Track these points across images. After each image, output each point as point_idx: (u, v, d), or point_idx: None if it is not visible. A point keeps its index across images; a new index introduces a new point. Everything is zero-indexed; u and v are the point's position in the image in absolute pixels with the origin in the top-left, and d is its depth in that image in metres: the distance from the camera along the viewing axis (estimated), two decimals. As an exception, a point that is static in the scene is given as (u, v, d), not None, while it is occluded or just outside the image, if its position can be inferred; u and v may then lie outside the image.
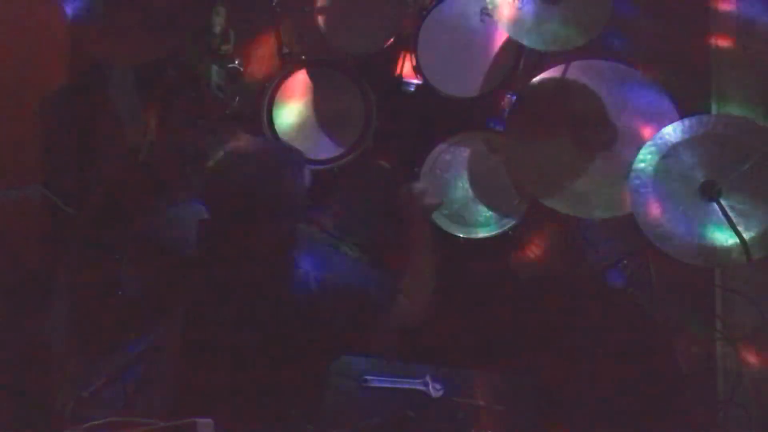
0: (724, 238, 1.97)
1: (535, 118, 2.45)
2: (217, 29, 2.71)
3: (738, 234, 1.95)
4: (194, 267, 1.74)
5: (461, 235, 2.46)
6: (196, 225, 1.73)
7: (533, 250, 2.88)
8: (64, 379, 2.45)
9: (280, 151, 1.75)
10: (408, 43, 2.59)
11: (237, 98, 2.89)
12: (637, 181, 2.07)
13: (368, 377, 2.20)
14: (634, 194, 2.06)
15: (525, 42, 2.20)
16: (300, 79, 2.61)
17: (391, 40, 2.58)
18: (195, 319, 1.80)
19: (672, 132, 2.08)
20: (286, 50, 2.86)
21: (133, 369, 2.33)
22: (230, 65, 2.83)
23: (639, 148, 2.12)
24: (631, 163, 2.11)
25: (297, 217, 1.73)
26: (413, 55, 2.57)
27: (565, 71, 2.44)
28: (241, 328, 1.74)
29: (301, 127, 2.57)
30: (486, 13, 2.54)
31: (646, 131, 2.31)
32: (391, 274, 1.93)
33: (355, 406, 2.14)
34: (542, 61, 2.52)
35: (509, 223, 2.46)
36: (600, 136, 2.36)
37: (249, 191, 1.60)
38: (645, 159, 2.08)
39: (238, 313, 1.73)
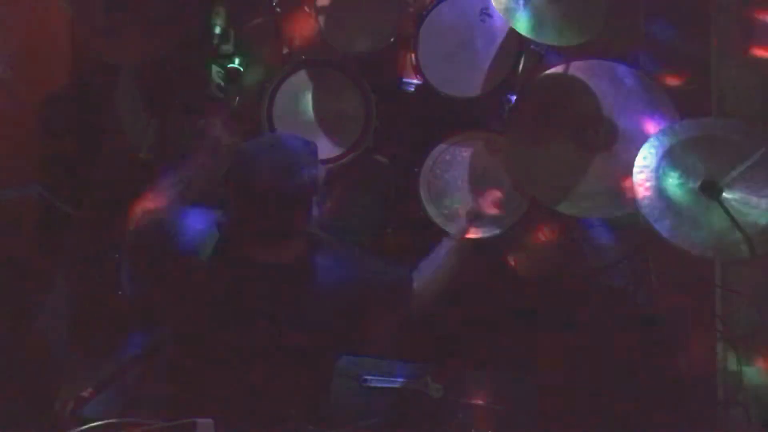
0: (725, 235, 1.97)
1: (535, 118, 2.45)
2: (217, 29, 2.71)
3: (740, 228, 1.95)
4: (201, 269, 1.74)
5: (461, 235, 2.46)
6: (202, 227, 1.75)
7: (533, 250, 2.88)
8: (64, 379, 2.45)
9: (301, 143, 1.80)
10: (408, 43, 2.59)
11: (237, 98, 2.89)
12: (638, 182, 2.07)
13: (368, 377, 2.20)
14: (635, 195, 2.06)
15: (531, 36, 2.19)
16: (300, 79, 2.61)
17: (391, 40, 2.58)
18: (195, 320, 1.80)
19: (672, 132, 2.09)
20: (286, 50, 2.86)
21: (133, 369, 2.33)
22: (230, 65, 2.83)
23: (639, 148, 2.12)
24: (631, 164, 2.11)
25: (313, 208, 1.76)
26: (413, 55, 2.57)
27: (565, 71, 2.44)
28: (243, 328, 1.74)
29: (301, 127, 2.57)
30: (486, 13, 2.54)
31: (646, 131, 2.31)
32: (404, 269, 1.97)
33: (355, 406, 2.14)
34: (542, 61, 2.52)
35: (509, 223, 2.46)
36: (600, 136, 2.36)
37: (277, 176, 1.65)
38: (645, 159, 2.08)
39: (242, 313, 1.73)
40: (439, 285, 2.02)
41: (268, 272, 1.71)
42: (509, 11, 2.21)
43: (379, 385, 2.16)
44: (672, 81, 2.93)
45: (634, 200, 2.06)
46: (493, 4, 2.23)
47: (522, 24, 2.20)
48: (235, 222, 1.75)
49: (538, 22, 2.19)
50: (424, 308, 1.96)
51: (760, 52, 3.01)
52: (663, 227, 1.98)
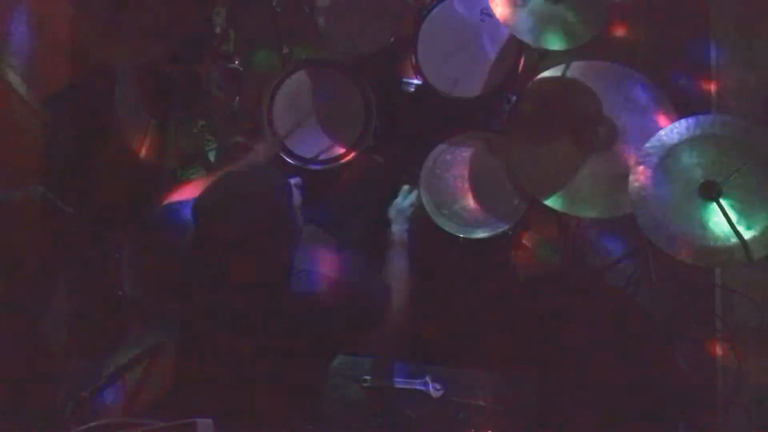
0: (724, 238, 1.97)
1: (535, 118, 2.45)
2: (217, 29, 2.72)
3: (738, 234, 1.95)
4: (191, 268, 1.74)
5: (461, 235, 2.46)
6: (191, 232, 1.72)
7: (533, 250, 2.88)
8: (64, 379, 2.45)
9: (264, 180, 1.69)
10: (408, 43, 2.59)
11: (237, 98, 2.89)
12: (637, 182, 2.07)
13: (368, 377, 2.20)
14: (634, 195, 2.06)
15: (528, 41, 2.20)
16: (300, 79, 2.61)
17: (392, 40, 2.58)
18: (194, 320, 1.80)
19: (671, 132, 2.09)
20: (286, 50, 2.87)
21: (133, 369, 2.33)
22: (230, 65, 2.84)
23: (639, 149, 2.12)
24: (630, 164, 2.11)
25: (294, 238, 1.71)
26: (413, 55, 2.57)
27: (565, 71, 2.44)
28: (240, 328, 1.74)
29: (301, 127, 2.57)
30: (486, 13, 2.54)
31: (646, 131, 2.31)
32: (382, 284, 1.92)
33: (355, 406, 2.14)
34: (542, 61, 2.52)
35: (509, 223, 2.46)
36: (600, 136, 2.36)
37: (242, 232, 1.57)
38: (644, 159, 2.08)
39: (238, 313, 1.72)
40: (404, 292, 1.94)
41: (245, 281, 1.69)
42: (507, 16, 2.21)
43: (379, 385, 2.17)
44: (672, 80, 2.94)
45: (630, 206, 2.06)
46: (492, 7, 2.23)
47: (518, 28, 2.20)
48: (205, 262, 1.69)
49: (537, 27, 2.19)
50: (399, 320, 1.88)
51: (759, 52, 3.02)
52: (658, 237, 1.99)
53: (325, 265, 1.75)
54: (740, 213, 1.98)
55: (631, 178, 2.08)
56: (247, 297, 1.69)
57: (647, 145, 2.10)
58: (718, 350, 2.72)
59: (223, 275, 1.66)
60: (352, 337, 1.85)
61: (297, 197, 1.70)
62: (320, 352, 1.83)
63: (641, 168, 2.08)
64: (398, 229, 2.22)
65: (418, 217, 2.40)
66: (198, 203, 1.61)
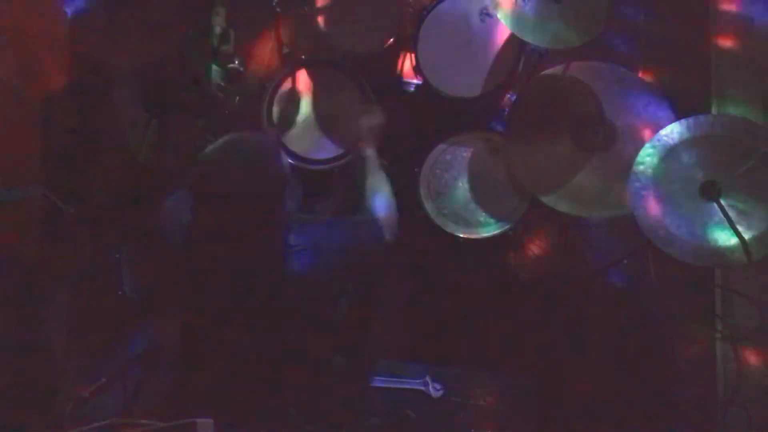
0: (724, 238, 1.97)
1: (535, 118, 2.45)
2: (217, 29, 2.71)
3: (738, 234, 1.95)
4: (186, 259, 1.73)
5: (461, 235, 2.46)
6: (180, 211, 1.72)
7: (533, 250, 2.88)
8: (64, 379, 2.45)
9: (256, 141, 1.73)
10: (408, 43, 2.59)
11: (237, 98, 2.89)
12: (637, 182, 2.07)
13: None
14: (634, 195, 2.06)
15: (530, 39, 2.20)
16: (300, 79, 2.61)
17: (391, 40, 2.58)
18: (194, 318, 1.80)
19: (671, 132, 2.09)
20: (286, 50, 2.86)
21: (133, 369, 2.33)
22: (230, 65, 2.83)
23: (638, 149, 2.12)
24: (630, 164, 2.11)
25: (287, 198, 1.72)
26: (413, 55, 2.57)
27: (565, 71, 2.44)
28: (240, 325, 1.74)
29: (302, 127, 2.57)
30: (486, 13, 2.54)
31: (646, 131, 2.31)
32: (369, 216, 1.95)
33: (355, 406, 2.14)
34: (542, 61, 2.52)
35: (509, 223, 2.46)
36: (600, 136, 2.36)
37: (240, 193, 1.59)
38: (644, 159, 2.08)
39: (236, 308, 1.72)
40: (390, 200, 2.01)
41: (244, 266, 1.69)
42: (508, 15, 2.21)
43: (379, 385, 2.16)
44: (672, 81, 2.94)
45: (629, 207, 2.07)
46: (491, 7, 2.23)
47: (519, 27, 2.21)
48: (204, 225, 1.68)
49: (536, 25, 2.20)
50: (395, 232, 1.94)
51: (760, 52, 3.01)
52: (658, 237, 1.99)
53: (319, 239, 1.77)
54: (740, 213, 1.98)
55: (631, 178, 2.08)
56: (246, 275, 1.68)
57: (647, 145, 2.10)
58: (718, 350, 2.72)
59: (222, 239, 1.66)
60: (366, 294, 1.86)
61: (285, 159, 1.73)
62: (320, 347, 1.83)
63: (641, 168, 2.08)
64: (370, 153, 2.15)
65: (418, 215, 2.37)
66: (201, 157, 1.63)
